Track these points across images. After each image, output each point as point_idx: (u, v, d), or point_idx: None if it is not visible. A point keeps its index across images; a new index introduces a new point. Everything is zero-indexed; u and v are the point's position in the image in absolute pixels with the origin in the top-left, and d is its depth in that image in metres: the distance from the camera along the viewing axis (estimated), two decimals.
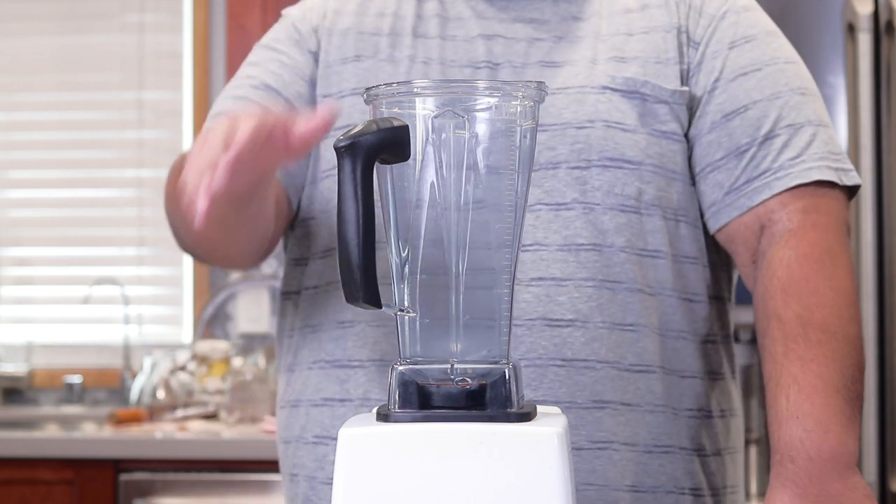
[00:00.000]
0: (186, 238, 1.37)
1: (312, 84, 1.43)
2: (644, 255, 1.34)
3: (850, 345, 1.27)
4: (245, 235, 1.33)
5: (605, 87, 1.35)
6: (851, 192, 1.37)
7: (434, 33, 1.41)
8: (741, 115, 1.35)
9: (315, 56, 1.44)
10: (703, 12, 1.40)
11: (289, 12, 1.49)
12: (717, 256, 1.40)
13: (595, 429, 1.30)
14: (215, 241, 1.33)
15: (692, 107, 1.38)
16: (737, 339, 1.48)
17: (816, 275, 1.28)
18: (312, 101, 1.42)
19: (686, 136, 1.38)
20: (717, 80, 1.37)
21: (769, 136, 1.34)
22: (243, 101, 1.40)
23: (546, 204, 1.32)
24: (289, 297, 1.44)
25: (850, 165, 1.37)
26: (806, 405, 1.23)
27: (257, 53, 1.47)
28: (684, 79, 1.38)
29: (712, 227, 1.37)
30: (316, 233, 1.40)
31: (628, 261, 1.32)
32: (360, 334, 1.34)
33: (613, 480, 1.30)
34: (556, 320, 1.30)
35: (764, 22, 1.42)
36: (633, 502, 1.31)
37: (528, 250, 1.31)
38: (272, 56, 1.44)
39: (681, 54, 1.38)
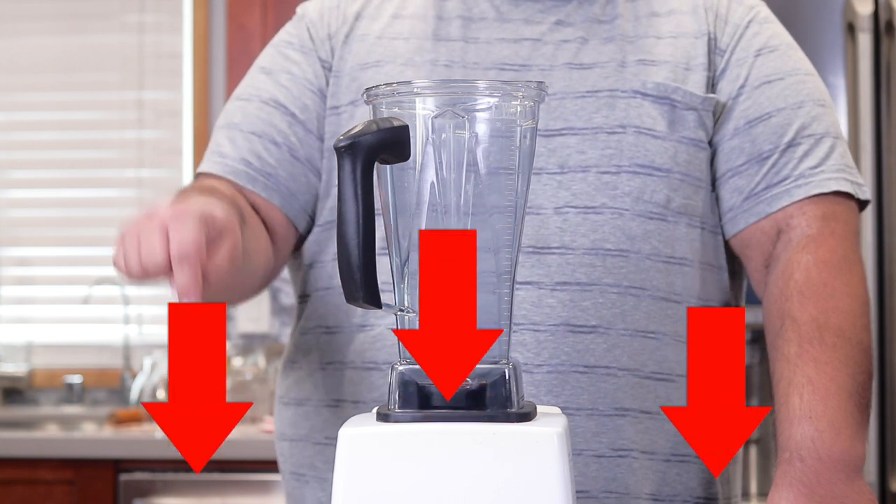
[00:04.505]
0: None
1: (321, 94, 1.42)
2: (671, 263, 1.34)
3: (863, 353, 1.28)
4: (242, 281, 1.34)
5: (636, 92, 1.35)
6: (861, 206, 1.38)
7: (456, 35, 1.39)
8: (765, 122, 1.36)
9: (327, 65, 1.43)
10: (728, 21, 1.41)
11: (306, 11, 1.47)
12: (733, 264, 1.41)
13: (616, 436, 1.30)
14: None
15: (716, 113, 1.38)
16: None
17: (834, 280, 1.29)
18: (319, 112, 1.41)
19: (709, 142, 1.39)
20: (741, 87, 1.38)
21: (791, 144, 1.35)
22: (251, 119, 1.41)
23: (574, 207, 1.32)
24: (304, 299, 1.44)
25: (862, 180, 1.39)
26: (820, 406, 1.23)
27: (269, 57, 1.46)
28: (710, 86, 1.39)
29: (729, 231, 1.38)
30: (331, 236, 1.39)
31: (654, 268, 1.33)
32: (377, 337, 1.34)
33: (633, 488, 1.30)
34: (580, 326, 1.30)
35: (784, 34, 1.43)
36: None
37: (554, 253, 1.30)
38: (283, 65, 1.43)
39: (709, 61, 1.39)
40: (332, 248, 1.39)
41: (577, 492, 1.27)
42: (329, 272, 1.39)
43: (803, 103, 1.37)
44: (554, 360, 1.29)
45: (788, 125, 1.36)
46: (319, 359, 1.39)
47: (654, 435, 1.32)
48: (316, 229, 1.42)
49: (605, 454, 1.30)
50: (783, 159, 1.35)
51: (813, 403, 1.23)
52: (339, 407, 1.36)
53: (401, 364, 0.97)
